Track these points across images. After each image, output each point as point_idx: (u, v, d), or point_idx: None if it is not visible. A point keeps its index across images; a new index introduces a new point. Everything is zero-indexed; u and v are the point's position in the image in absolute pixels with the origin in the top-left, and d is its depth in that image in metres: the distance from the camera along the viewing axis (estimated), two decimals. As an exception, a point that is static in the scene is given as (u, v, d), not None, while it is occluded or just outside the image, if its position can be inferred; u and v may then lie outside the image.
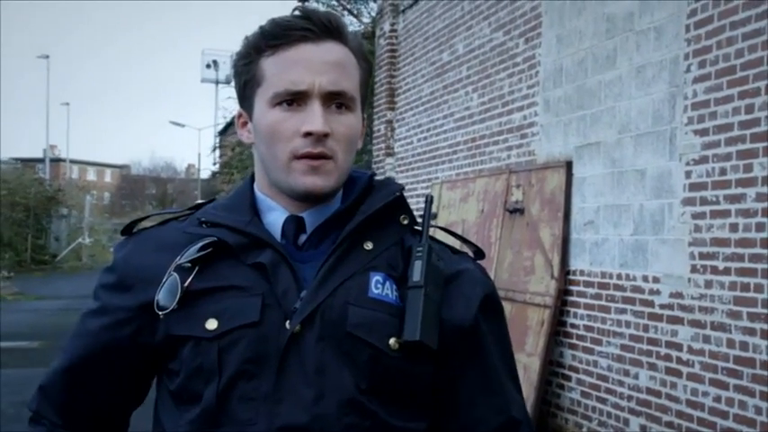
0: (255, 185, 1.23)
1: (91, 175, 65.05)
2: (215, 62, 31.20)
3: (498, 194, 6.32)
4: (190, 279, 1.13)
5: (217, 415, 1.09)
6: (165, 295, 1.13)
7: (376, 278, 1.15)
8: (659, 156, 4.59)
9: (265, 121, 1.15)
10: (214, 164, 16.56)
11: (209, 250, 1.14)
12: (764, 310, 3.79)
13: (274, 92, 1.14)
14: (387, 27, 9.07)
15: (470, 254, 1.31)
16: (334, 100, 1.15)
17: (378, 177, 1.25)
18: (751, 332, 3.87)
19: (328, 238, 1.17)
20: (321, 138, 1.12)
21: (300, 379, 1.08)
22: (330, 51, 1.15)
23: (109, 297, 1.21)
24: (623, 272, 4.89)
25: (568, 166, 5.49)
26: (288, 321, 1.09)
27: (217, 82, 30.63)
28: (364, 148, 9.49)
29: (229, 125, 18.90)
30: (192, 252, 1.14)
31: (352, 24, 11.23)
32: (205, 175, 34.74)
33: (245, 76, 1.19)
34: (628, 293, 4.84)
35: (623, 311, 4.88)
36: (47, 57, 36.39)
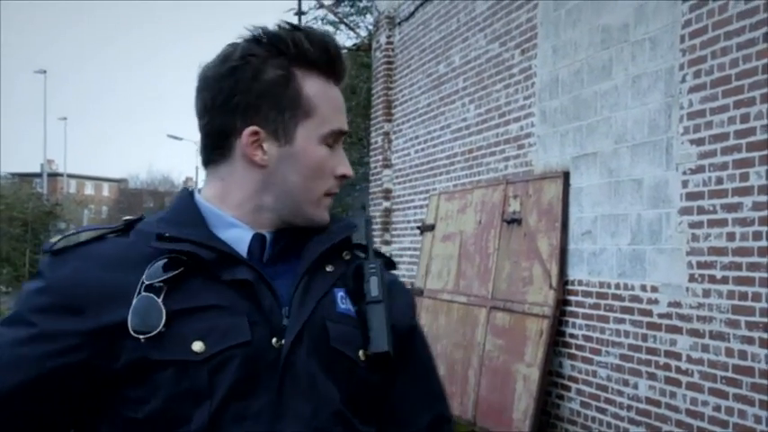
0: (206, 200, 1.20)
1: (89, 190, 65.11)
2: (212, 75, 31.16)
3: (496, 205, 6.32)
4: (164, 300, 1.08)
5: None
6: (141, 318, 1.07)
7: (340, 294, 1.19)
8: (656, 165, 4.60)
9: (315, 156, 1.17)
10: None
11: (180, 269, 1.10)
12: (762, 319, 3.79)
13: (330, 130, 1.18)
14: (383, 40, 9.10)
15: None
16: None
17: None
18: (749, 341, 3.87)
19: (290, 253, 1.19)
20: None
21: (298, 394, 1.10)
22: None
23: (50, 321, 1.09)
24: (621, 281, 4.90)
25: (565, 176, 5.50)
26: (274, 339, 1.10)
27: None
28: (361, 160, 9.51)
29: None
30: (156, 270, 1.09)
31: (349, 38, 11.29)
32: (203, 188, 34.69)
33: (283, 99, 1.15)
34: (626, 303, 4.85)
35: (622, 321, 4.89)
36: (44, 72, 36.51)
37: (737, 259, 3.96)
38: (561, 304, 5.45)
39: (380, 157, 9.02)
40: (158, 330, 1.06)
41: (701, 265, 4.21)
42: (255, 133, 1.15)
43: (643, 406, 4.65)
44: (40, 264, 1.15)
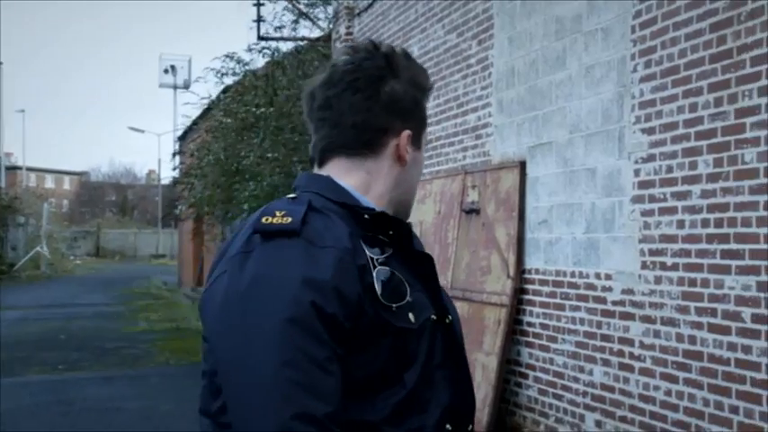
0: (356, 189, 1.30)
1: (49, 183, 64.05)
2: (173, 67, 30.93)
3: (455, 195, 6.36)
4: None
5: (415, 395, 1.21)
6: (391, 288, 1.21)
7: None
8: (609, 154, 4.66)
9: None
10: (174, 170, 16.40)
11: (390, 249, 1.25)
12: (711, 305, 3.87)
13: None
14: (342, 30, 9.07)
15: None
16: None
17: None
18: (698, 326, 3.95)
19: None
20: None
21: (465, 364, 1.32)
22: None
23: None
24: (577, 270, 4.96)
25: (522, 165, 5.55)
26: (433, 314, 1.27)
27: (175, 87, 30.34)
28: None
29: (188, 131, 18.75)
30: (370, 248, 1.22)
31: (310, 30, 11.22)
32: (166, 180, 34.40)
33: (421, 109, 1.39)
34: (581, 291, 4.91)
35: (577, 309, 4.95)
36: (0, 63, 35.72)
37: (687, 246, 4.04)
38: (519, 293, 5.50)
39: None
40: (406, 301, 1.22)
41: (652, 253, 4.29)
42: (410, 136, 1.34)
43: (598, 392, 4.72)
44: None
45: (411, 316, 1.21)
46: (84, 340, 11.29)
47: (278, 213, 1.19)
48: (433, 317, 1.27)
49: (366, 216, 1.25)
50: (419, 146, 1.38)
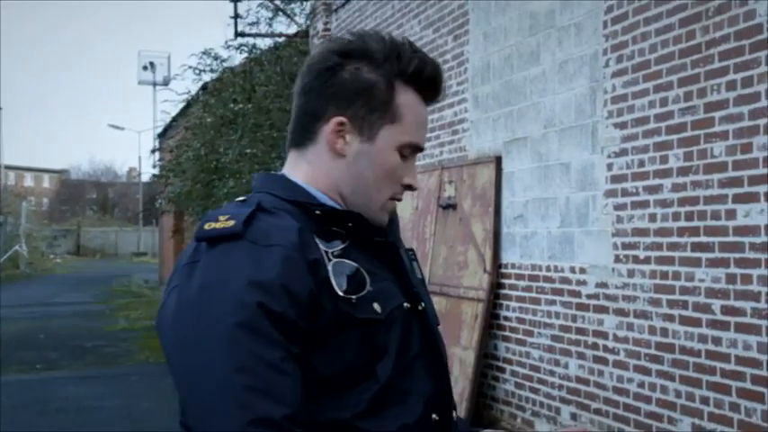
0: (303, 182, 1.27)
1: (28, 181, 63.52)
2: (152, 64, 30.75)
3: (432, 191, 6.38)
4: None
5: (391, 388, 1.18)
6: (348, 280, 1.18)
7: (416, 266, 1.40)
8: (582, 149, 4.70)
9: (388, 160, 1.25)
10: (153, 167, 16.33)
11: (346, 239, 1.22)
12: (682, 297, 3.91)
13: (410, 142, 1.26)
14: (320, 26, 9.06)
15: None
16: None
17: None
18: (670, 318, 3.99)
19: None
20: None
21: (441, 352, 1.28)
22: None
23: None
24: (552, 264, 5.00)
25: (498, 161, 5.57)
26: (405, 303, 1.25)
27: (154, 84, 30.15)
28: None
29: (168, 128, 18.65)
30: (324, 242, 1.20)
31: (288, 26, 11.20)
32: (147, 178, 34.21)
33: (378, 99, 1.24)
34: (557, 285, 4.95)
35: (553, 303, 4.99)
36: (-23, 61, 35.36)
37: (659, 239, 4.08)
38: (495, 287, 5.53)
39: (320, 145, 8.99)
40: (367, 291, 1.18)
41: (625, 246, 4.32)
42: (341, 123, 1.24)
43: (573, 385, 4.76)
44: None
45: (376, 306, 1.18)
46: (62, 339, 11.22)
47: (221, 218, 1.17)
48: (406, 305, 1.24)
49: (317, 212, 1.22)
50: (371, 137, 1.24)
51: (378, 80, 1.24)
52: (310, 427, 1.11)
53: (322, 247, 1.18)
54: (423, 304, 1.28)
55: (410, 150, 1.27)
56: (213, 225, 1.16)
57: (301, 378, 1.11)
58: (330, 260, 1.18)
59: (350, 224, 1.23)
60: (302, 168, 1.28)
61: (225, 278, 1.11)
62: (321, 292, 1.14)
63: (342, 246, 1.21)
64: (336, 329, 1.15)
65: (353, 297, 1.16)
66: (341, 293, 1.16)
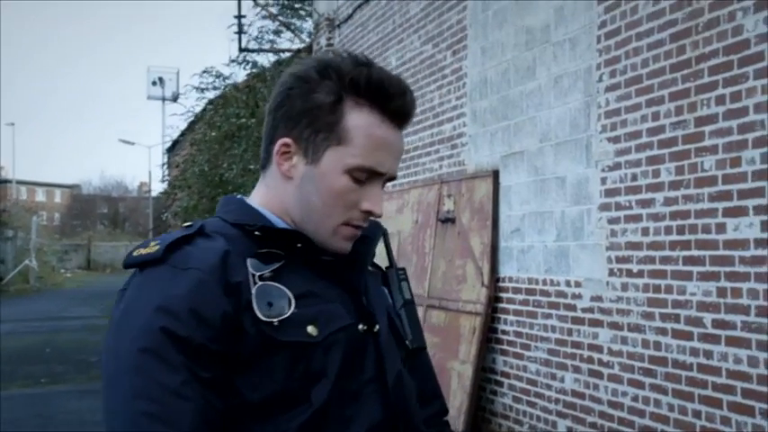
0: (259, 205, 1.26)
1: (40, 196, 63.89)
2: (161, 79, 30.99)
3: (431, 205, 6.40)
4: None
5: (325, 414, 1.15)
6: (268, 303, 1.15)
7: (385, 291, 1.37)
8: (577, 163, 4.71)
9: (333, 184, 1.19)
10: (162, 182, 16.43)
11: (282, 261, 1.18)
12: (674, 311, 3.92)
13: (359, 165, 1.19)
14: (323, 41, 9.14)
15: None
16: (386, 182, 1.26)
17: None
18: (663, 332, 3.99)
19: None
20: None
21: (392, 373, 1.24)
22: (402, 140, 1.26)
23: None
24: (548, 277, 5.00)
25: (495, 175, 5.60)
26: (361, 325, 1.22)
27: (163, 99, 30.41)
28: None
29: (176, 143, 18.77)
30: (257, 264, 1.17)
31: (293, 42, 11.28)
32: (156, 193, 34.38)
33: (322, 120, 1.19)
34: (553, 299, 4.95)
35: (549, 316, 4.99)
36: (-10, 76, 35.71)
37: (651, 253, 4.08)
38: (493, 301, 5.54)
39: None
40: (291, 313, 1.14)
41: (619, 260, 4.33)
42: (287, 145, 1.21)
43: (569, 399, 4.76)
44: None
45: (311, 329, 1.15)
46: (68, 353, 11.27)
47: (151, 244, 1.18)
48: (362, 327, 1.21)
49: (257, 233, 1.20)
50: (315, 160, 1.20)
51: (324, 99, 1.19)
52: None
53: (251, 270, 1.16)
54: (377, 327, 1.24)
55: (366, 174, 1.20)
56: (141, 251, 1.17)
57: (210, 403, 1.09)
58: (256, 283, 1.15)
59: (298, 244, 1.20)
60: (260, 191, 1.28)
61: (138, 304, 1.13)
62: (243, 316, 1.12)
63: (273, 267, 1.17)
64: (261, 353, 1.13)
65: (275, 320, 1.13)
66: (262, 317, 1.13)
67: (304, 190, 1.22)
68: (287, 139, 1.21)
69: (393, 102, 1.20)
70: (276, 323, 1.13)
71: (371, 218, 1.26)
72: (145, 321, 1.10)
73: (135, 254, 1.17)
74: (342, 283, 1.24)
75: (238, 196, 1.31)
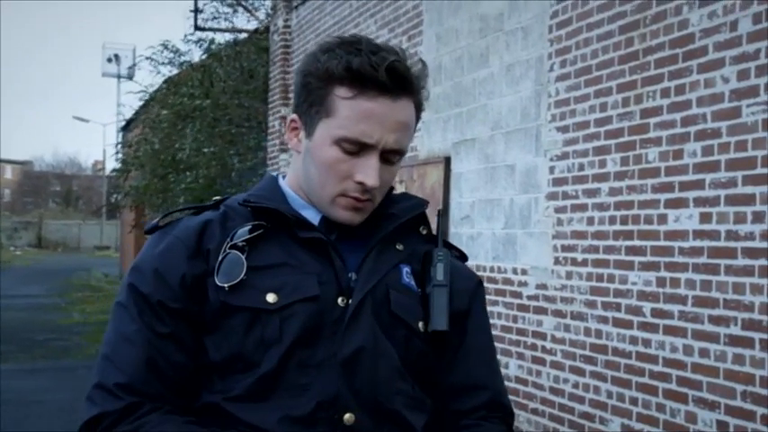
0: (285, 183, 1.35)
1: (-10, 172, 62.43)
2: (116, 56, 30.39)
3: (383, 190, 6.40)
4: (246, 257, 1.23)
5: (275, 380, 1.19)
6: (226, 270, 1.22)
7: (405, 270, 1.31)
8: (527, 152, 4.75)
9: (324, 155, 1.24)
10: (116, 160, 16.16)
11: (260, 231, 1.25)
12: (616, 300, 3.98)
13: (343, 136, 1.22)
14: (280, 23, 9.04)
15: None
16: (390, 155, 1.25)
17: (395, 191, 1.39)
18: (604, 320, 4.05)
19: (356, 236, 1.30)
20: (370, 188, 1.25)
21: (348, 347, 1.21)
22: (403, 110, 1.24)
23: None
24: (495, 264, 5.04)
25: (447, 161, 5.61)
26: (340, 298, 1.23)
27: (119, 76, 29.82)
28: (259, 145, 9.47)
29: (131, 121, 18.47)
30: (242, 233, 1.24)
31: (249, 21, 11.14)
32: (110, 171, 33.80)
33: (314, 95, 1.25)
34: (499, 286, 4.99)
35: (495, 303, 5.03)
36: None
37: (595, 242, 4.14)
38: (441, 287, 5.56)
39: (277, 142, 8.98)
40: (239, 280, 1.20)
41: (564, 249, 4.38)
42: (294, 120, 1.29)
43: (512, 385, 4.81)
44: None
45: (270, 297, 1.20)
46: (13, 332, 11.05)
47: (175, 214, 1.35)
48: (343, 301, 1.22)
49: (248, 207, 1.30)
50: (310, 133, 1.26)
51: (315, 74, 1.24)
52: (158, 399, 1.19)
53: (230, 240, 1.24)
54: (348, 300, 1.23)
55: (356, 146, 1.22)
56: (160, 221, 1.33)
57: (162, 353, 1.20)
58: (225, 252, 1.23)
59: (265, 224, 1.27)
60: (289, 169, 1.38)
61: (133, 263, 1.29)
62: (208, 280, 1.22)
63: (245, 237, 1.24)
64: (220, 315, 1.21)
65: (226, 285, 1.21)
66: (217, 282, 1.22)
67: (305, 163, 1.29)
68: (293, 116, 1.30)
69: (378, 73, 1.20)
70: (227, 288, 1.21)
71: (394, 194, 1.33)
72: (126, 279, 1.27)
73: (154, 221, 1.32)
74: (326, 257, 1.25)
75: (275, 173, 1.39)
